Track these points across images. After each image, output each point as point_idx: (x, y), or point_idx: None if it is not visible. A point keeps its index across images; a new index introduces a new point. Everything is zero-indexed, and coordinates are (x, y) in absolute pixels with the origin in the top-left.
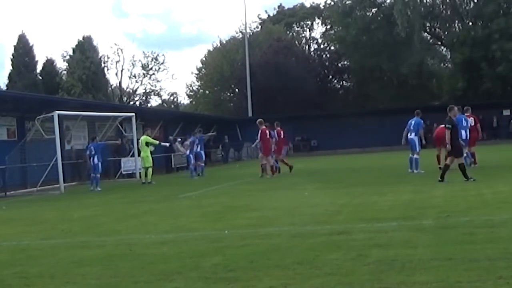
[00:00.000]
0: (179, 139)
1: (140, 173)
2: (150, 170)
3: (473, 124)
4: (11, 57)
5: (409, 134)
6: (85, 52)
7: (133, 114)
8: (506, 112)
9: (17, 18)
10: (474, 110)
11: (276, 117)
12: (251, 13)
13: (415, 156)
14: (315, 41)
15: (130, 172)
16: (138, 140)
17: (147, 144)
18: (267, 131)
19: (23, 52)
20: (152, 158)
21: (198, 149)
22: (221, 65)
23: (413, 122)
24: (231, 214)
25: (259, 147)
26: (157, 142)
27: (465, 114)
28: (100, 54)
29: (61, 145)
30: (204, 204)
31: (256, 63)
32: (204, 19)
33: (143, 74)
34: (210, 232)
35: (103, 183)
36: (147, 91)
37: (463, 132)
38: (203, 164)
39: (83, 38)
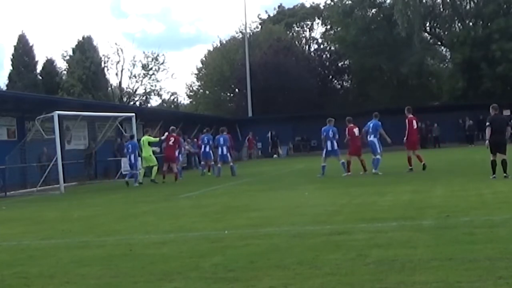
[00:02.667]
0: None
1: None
2: (155, 168)
3: (415, 127)
4: (11, 57)
5: (368, 137)
6: (85, 52)
7: (133, 114)
8: (506, 112)
9: (17, 18)
10: (474, 110)
11: (276, 117)
12: (251, 13)
13: (377, 156)
14: (315, 41)
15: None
16: (138, 140)
17: (149, 143)
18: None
19: (23, 52)
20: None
21: (207, 149)
22: (221, 65)
23: (371, 125)
24: (231, 214)
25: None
26: (158, 139)
27: (409, 116)
28: (100, 54)
29: (61, 145)
30: (204, 204)
31: (256, 63)
32: (203, 19)
33: (143, 74)
34: (210, 232)
35: (103, 184)
36: (147, 91)
37: (329, 143)
38: (212, 163)
39: (83, 38)
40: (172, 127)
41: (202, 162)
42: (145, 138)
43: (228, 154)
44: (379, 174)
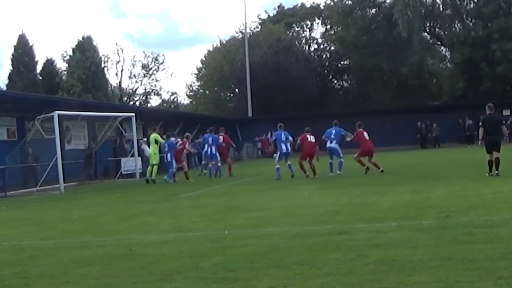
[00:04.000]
0: (145, 139)
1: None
2: (155, 167)
3: (367, 138)
4: (11, 57)
5: (329, 143)
6: (85, 52)
7: (133, 114)
8: (506, 112)
9: (17, 18)
10: (474, 110)
11: (276, 117)
12: (251, 13)
13: (342, 159)
14: (315, 41)
15: (130, 172)
16: (138, 140)
17: (156, 141)
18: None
19: (23, 52)
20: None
21: (214, 151)
22: (221, 65)
23: (333, 132)
24: (231, 214)
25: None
26: (163, 141)
27: (359, 130)
28: (100, 54)
29: (61, 145)
30: (204, 204)
31: (256, 63)
32: (202, 19)
33: (143, 74)
34: (210, 232)
35: (103, 184)
36: (147, 91)
37: (283, 145)
38: (219, 164)
39: (83, 38)
40: (187, 134)
41: (203, 162)
42: (153, 136)
43: (217, 154)
44: (342, 176)
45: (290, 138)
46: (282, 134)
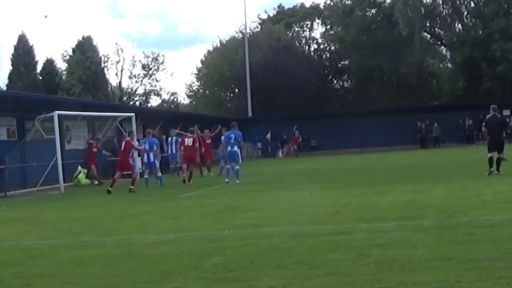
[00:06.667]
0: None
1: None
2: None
3: (123, 149)
4: (11, 57)
5: (229, 147)
6: (85, 52)
7: (133, 114)
8: (506, 112)
9: (17, 18)
10: (474, 110)
11: (276, 117)
12: (251, 13)
13: (237, 167)
14: (315, 41)
15: (130, 172)
16: (138, 140)
17: None
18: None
19: (23, 52)
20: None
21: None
22: (221, 65)
23: (233, 136)
24: (231, 214)
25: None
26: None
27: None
28: (100, 54)
29: (61, 145)
30: (204, 204)
31: (256, 63)
32: (201, 19)
33: (143, 74)
34: (210, 232)
35: (103, 183)
36: (147, 91)
37: (229, 147)
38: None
39: (83, 38)
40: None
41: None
42: None
43: (156, 162)
44: (239, 183)
45: (239, 140)
46: (232, 135)
